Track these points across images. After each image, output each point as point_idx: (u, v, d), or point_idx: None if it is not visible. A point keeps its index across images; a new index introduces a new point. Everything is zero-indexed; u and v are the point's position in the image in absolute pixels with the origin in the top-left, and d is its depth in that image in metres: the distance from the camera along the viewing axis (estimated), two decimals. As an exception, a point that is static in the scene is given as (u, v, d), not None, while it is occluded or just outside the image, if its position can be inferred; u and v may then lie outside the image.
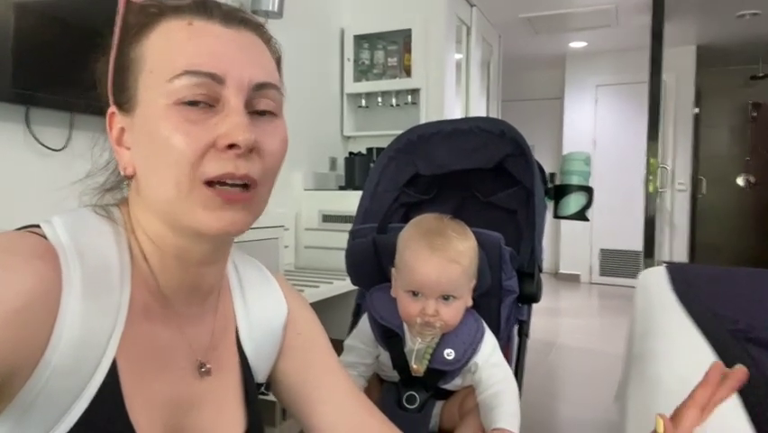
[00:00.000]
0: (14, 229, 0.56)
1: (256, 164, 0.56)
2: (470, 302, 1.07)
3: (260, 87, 0.57)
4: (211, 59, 0.54)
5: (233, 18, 0.57)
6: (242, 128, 0.53)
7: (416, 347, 1.04)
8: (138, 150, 0.57)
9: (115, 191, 0.64)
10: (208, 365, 0.65)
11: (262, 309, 0.73)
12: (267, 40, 0.62)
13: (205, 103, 0.54)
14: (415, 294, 1.02)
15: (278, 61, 0.64)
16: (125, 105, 0.57)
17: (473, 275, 1.07)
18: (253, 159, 0.55)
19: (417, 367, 1.04)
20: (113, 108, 0.59)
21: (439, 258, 1.00)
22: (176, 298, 0.62)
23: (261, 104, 0.57)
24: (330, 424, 0.73)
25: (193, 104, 0.53)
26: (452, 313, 1.02)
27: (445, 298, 1.01)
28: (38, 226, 0.55)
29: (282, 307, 0.74)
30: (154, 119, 0.54)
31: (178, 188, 0.54)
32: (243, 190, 0.55)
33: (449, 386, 1.11)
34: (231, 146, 0.53)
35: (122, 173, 0.60)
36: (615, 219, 5.73)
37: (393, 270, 1.09)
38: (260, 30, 0.61)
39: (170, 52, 0.54)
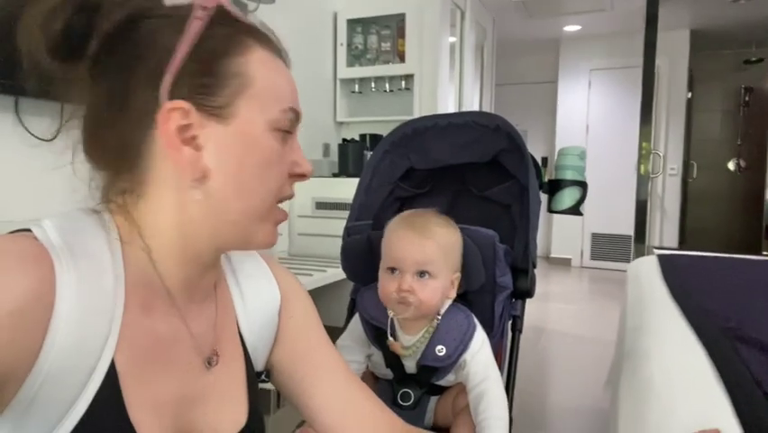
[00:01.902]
0: (7, 233, 0.55)
1: None
2: (452, 294, 1.08)
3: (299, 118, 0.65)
4: (296, 99, 0.64)
5: (287, 59, 0.65)
6: (305, 159, 0.64)
7: (406, 345, 1.06)
8: (225, 160, 0.58)
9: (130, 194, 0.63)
10: (216, 357, 0.66)
11: (257, 297, 0.73)
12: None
13: (287, 131, 0.62)
14: (393, 271, 1.04)
15: None
16: (216, 110, 0.57)
17: (453, 263, 1.08)
18: None
19: (401, 351, 1.06)
20: (181, 104, 0.55)
21: (415, 233, 1.04)
22: (179, 294, 0.62)
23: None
24: (324, 404, 0.74)
25: (281, 132, 0.61)
26: (426, 293, 1.02)
27: (420, 274, 1.03)
28: (29, 230, 0.55)
29: (275, 292, 0.75)
30: (254, 140, 0.59)
31: (264, 208, 0.61)
32: None
33: (442, 382, 1.12)
34: (300, 174, 0.64)
35: (191, 175, 0.57)
36: (606, 204, 5.77)
37: (381, 263, 1.10)
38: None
39: (276, 87, 0.61)
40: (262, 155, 0.59)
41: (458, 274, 1.09)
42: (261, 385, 0.76)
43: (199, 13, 0.56)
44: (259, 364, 0.74)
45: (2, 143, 1.66)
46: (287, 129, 0.62)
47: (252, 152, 0.59)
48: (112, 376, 0.54)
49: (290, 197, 0.64)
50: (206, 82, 0.57)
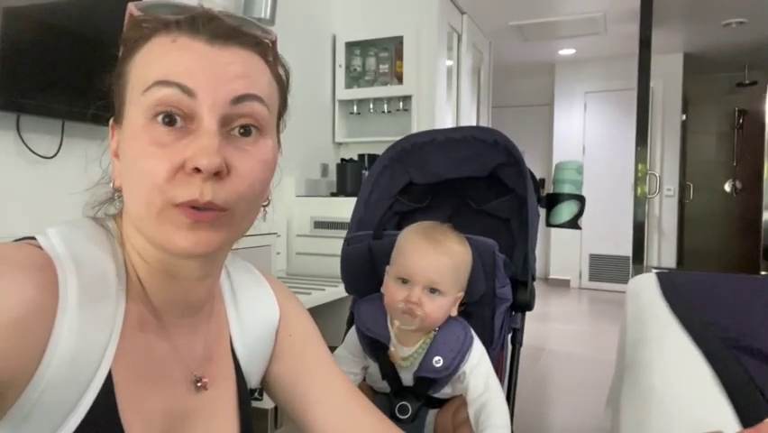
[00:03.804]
0: (11, 241, 0.56)
1: (226, 188, 0.53)
2: (454, 312, 1.08)
3: (239, 100, 0.54)
4: (183, 72, 0.53)
5: (221, 35, 0.55)
6: (206, 151, 0.51)
7: (403, 355, 1.06)
8: (123, 164, 0.57)
9: (112, 203, 0.64)
10: (204, 379, 0.65)
11: (254, 314, 0.73)
12: (267, 57, 0.60)
13: (180, 118, 0.53)
14: (403, 282, 1.04)
15: (282, 81, 0.63)
16: (117, 118, 0.58)
17: (462, 282, 1.08)
18: (223, 183, 0.53)
19: (399, 361, 1.05)
20: (111, 121, 0.59)
21: (434, 248, 1.04)
22: (167, 311, 0.62)
23: (242, 120, 0.55)
24: (325, 422, 0.72)
25: (169, 122, 0.53)
26: (434, 308, 1.03)
27: (432, 291, 1.03)
28: (33, 238, 0.55)
29: (274, 310, 0.75)
30: (131, 137, 0.54)
31: (148, 209, 0.54)
32: (212, 210, 0.54)
33: (439, 394, 1.12)
34: (197, 170, 0.52)
35: (112, 185, 0.60)
36: (604, 225, 5.77)
37: (387, 267, 1.11)
38: (258, 47, 0.59)
39: (149, 67, 0.54)
40: (139, 148, 0.53)
41: (461, 294, 1.09)
42: (259, 405, 0.75)
43: (125, 24, 0.58)
44: (252, 381, 0.73)
45: (3, 160, 1.67)
46: (162, 110, 0.53)
47: (132, 147, 0.54)
48: (108, 387, 0.53)
49: (190, 199, 0.52)
50: (116, 90, 0.58)
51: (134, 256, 0.59)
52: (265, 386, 0.77)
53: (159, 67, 0.53)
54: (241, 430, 0.68)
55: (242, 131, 0.55)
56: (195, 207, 0.52)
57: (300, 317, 0.78)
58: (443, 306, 1.04)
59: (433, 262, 1.03)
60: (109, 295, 0.55)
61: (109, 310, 0.54)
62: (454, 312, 1.08)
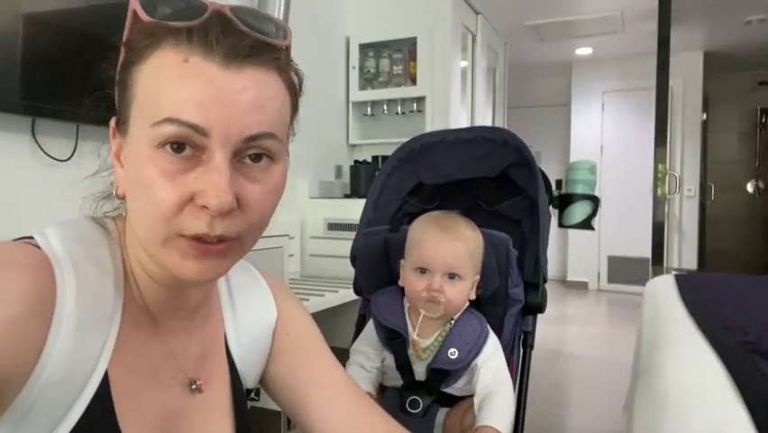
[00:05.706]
0: (9, 240, 0.56)
1: (236, 221, 0.53)
2: (473, 295, 1.11)
3: (252, 139, 0.52)
4: (197, 109, 0.50)
5: (237, 54, 0.52)
6: (218, 190, 0.50)
7: (423, 346, 1.08)
8: (126, 177, 0.56)
9: (110, 199, 0.64)
10: (199, 382, 0.64)
11: (250, 314, 0.72)
12: (282, 70, 0.57)
13: (190, 147, 0.51)
14: (422, 271, 1.07)
15: (295, 88, 0.60)
16: (122, 125, 0.56)
17: (477, 266, 1.11)
18: (234, 215, 0.53)
19: (420, 352, 1.07)
20: (112, 122, 0.58)
21: (447, 235, 1.07)
22: (163, 313, 0.62)
23: (253, 150, 0.54)
24: (326, 421, 0.71)
25: (177, 149, 0.51)
26: (455, 293, 1.06)
27: (450, 276, 1.06)
28: (32, 238, 0.55)
29: (271, 310, 0.74)
30: (139, 159, 0.52)
31: (154, 236, 0.53)
32: (222, 242, 0.54)
33: (451, 390, 1.12)
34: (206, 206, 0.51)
35: (114, 191, 0.60)
36: (623, 226, 5.70)
37: (402, 261, 1.13)
38: (275, 62, 0.55)
39: (159, 92, 0.51)
40: (146, 177, 0.51)
41: (478, 276, 1.12)
42: (270, 407, 0.74)
43: (127, 24, 0.55)
44: (249, 381, 0.73)
45: (19, 163, 1.70)
46: (173, 140, 0.50)
47: (138, 171, 0.52)
48: (105, 386, 0.54)
49: (200, 233, 0.52)
50: (120, 95, 0.56)
51: (133, 260, 0.60)
52: (264, 386, 0.77)
53: (169, 99, 0.50)
54: (236, 430, 0.68)
55: (253, 157, 0.54)
56: (203, 239, 0.52)
57: (299, 316, 0.77)
58: (463, 290, 1.08)
59: (449, 249, 1.06)
60: (107, 295, 0.55)
61: (107, 311, 0.55)
62: (473, 295, 1.11)
